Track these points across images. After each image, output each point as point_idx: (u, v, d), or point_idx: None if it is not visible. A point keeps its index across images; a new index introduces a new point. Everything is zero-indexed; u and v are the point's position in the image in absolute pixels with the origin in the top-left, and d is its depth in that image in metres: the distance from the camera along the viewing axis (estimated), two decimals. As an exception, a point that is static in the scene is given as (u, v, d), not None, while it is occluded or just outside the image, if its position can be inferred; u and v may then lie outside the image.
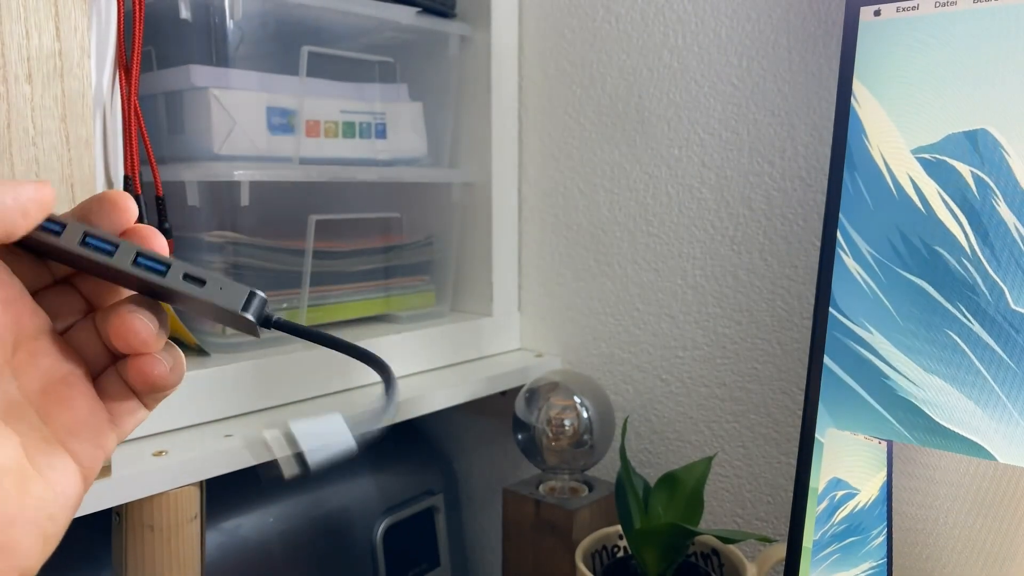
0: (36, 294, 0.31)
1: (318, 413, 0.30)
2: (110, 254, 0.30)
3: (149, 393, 0.32)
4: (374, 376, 0.70)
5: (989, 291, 0.42)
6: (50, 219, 0.29)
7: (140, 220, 0.53)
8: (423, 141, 0.76)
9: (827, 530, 0.48)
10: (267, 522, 0.66)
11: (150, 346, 0.31)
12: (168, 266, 0.30)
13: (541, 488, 0.69)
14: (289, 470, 0.29)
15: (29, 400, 0.30)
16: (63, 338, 0.32)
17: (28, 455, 0.29)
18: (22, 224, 0.28)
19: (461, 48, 0.77)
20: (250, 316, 0.30)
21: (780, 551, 0.56)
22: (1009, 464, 0.42)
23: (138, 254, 0.30)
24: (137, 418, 0.33)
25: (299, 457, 0.29)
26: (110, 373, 0.32)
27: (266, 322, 0.31)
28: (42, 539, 0.28)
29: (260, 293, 0.31)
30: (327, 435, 0.30)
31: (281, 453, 0.29)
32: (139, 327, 0.30)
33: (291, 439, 0.29)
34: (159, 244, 0.31)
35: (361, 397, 0.66)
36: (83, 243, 0.30)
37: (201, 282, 0.30)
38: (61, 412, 0.30)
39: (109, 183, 0.53)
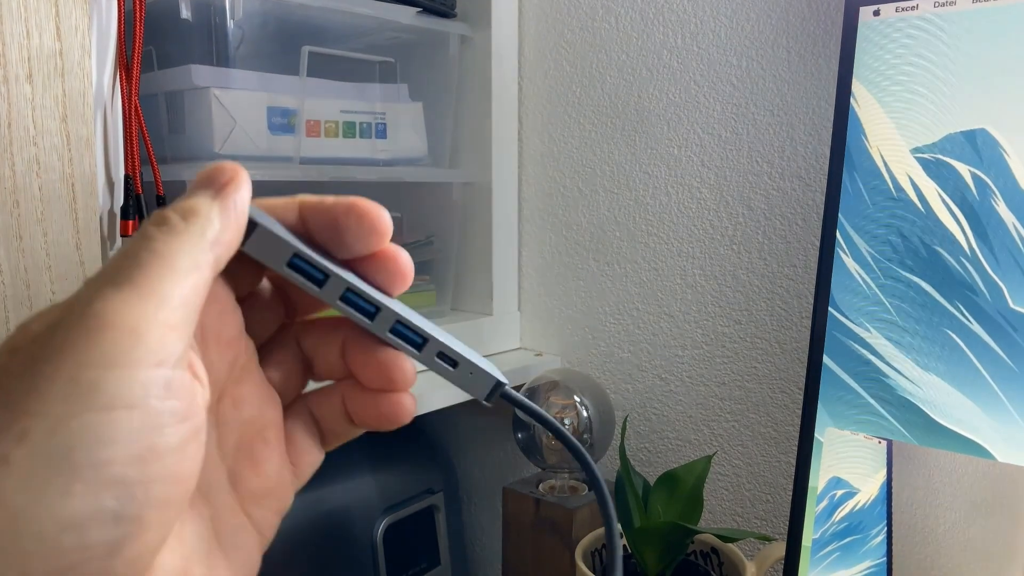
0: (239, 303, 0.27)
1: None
2: (369, 316, 0.26)
3: (380, 429, 0.28)
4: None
5: (988, 291, 0.42)
6: (313, 263, 0.25)
7: (141, 220, 0.54)
8: (423, 141, 0.76)
9: (826, 529, 0.48)
10: (267, 521, 0.66)
11: (411, 384, 0.27)
12: (426, 341, 0.27)
13: (541, 487, 0.69)
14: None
15: (224, 459, 0.26)
16: (265, 376, 0.27)
17: (216, 529, 0.25)
18: (235, 247, 0.23)
19: (461, 48, 0.77)
20: (489, 404, 0.29)
21: (779, 550, 0.56)
22: (1008, 463, 0.42)
23: (397, 322, 0.27)
24: (315, 465, 0.29)
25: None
26: (299, 412, 0.28)
27: (501, 396, 0.30)
28: None
29: (504, 380, 0.29)
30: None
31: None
32: (407, 365, 0.27)
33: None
34: (408, 271, 0.27)
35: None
36: (343, 299, 0.26)
37: (453, 363, 0.28)
38: (252, 476, 0.26)
39: (110, 183, 0.53)
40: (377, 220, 0.26)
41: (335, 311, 0.27)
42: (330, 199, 0.26)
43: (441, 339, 0.28)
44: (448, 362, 0.28)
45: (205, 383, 0.23)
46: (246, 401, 0.26)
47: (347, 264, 0.27)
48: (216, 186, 0.23)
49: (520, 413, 0.31)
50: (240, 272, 0.26)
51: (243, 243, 0.25)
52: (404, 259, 0.27)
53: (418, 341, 0.27)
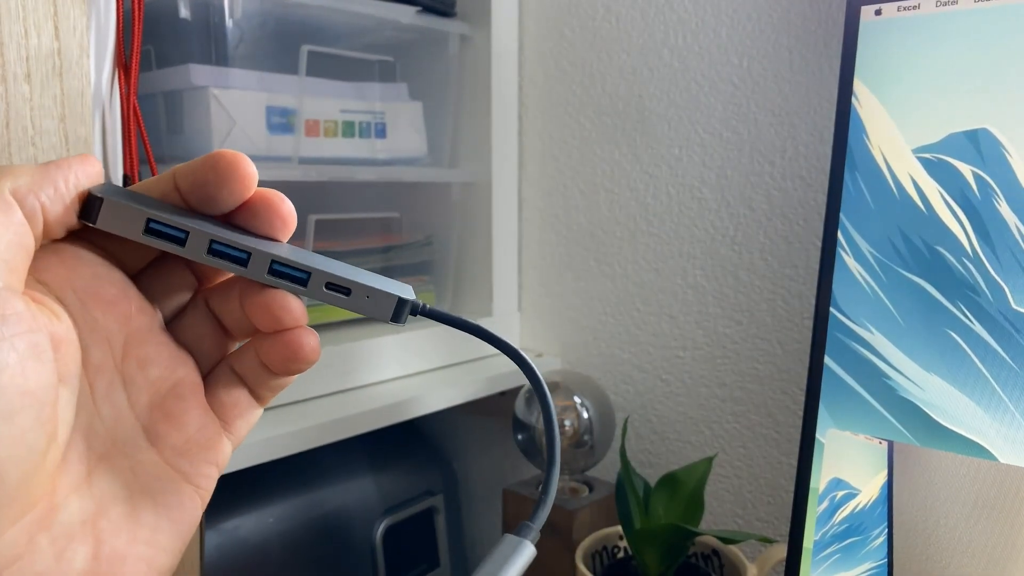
0: (140, 273, 0.28)
1: (502, 558, 0.27)
2: (243, 263, 0.26)
3: (291, 373, 0.29)
4: (376, 375, 0.70)
5: (990, 291, 0.42)
6: (169, 223, 0.26)
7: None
8: (423, 141, 0.76)
9: (828, 530, 0.47)
10: (267, 523, 0.66)
11: (301, 319, 0.27)
12: (309, 274, 0.27)
13: (541, 488, 0.69)
14: None
15: (138, 418, 0.27)
16: (172, 335, 0.28)
17: (138, 481, 0.26)
18: (63, 219, 0.25)
19: (461, 47, 0.77)
20: (400, 323, 0.28)
21: (781, 552, 0.56)
22: (1010, 464, 0.42)
23: (273, 262, 0.27)
24: (251, 420, 0.30)
25: None
26: (222, 372, 0.29)
27: (414, 312, 0.29)
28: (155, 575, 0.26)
29: (409, 297, 0.28)
30: (512, 571, 0.28)
31: None
32: (289, 302, 0.27)
33: None
34: (287, 211, 0.27)
35: (362, 397, 0.66)
36: (210, 252, 0.26)
37: (346, 292, 0.27)
38: (170, 431, 0.27)
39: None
40: (235, 165, 0.26)
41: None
42: (197, 159, 0.27)
43: (329, 269, 0.27)
44: (340, 291, 0.27)
45: (59, 312, 0.25)
46: (152, 361, 0.27)
47: (226, 221, 0.27)
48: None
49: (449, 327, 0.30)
50: (120, 244, 0.27)
51: (94, 221, 0.25)
52: (276, 199, 0.27)
53: (302, 277, 0.27)
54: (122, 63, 0.52)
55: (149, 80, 0.62)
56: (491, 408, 0.81)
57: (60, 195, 0.25)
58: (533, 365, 0.30)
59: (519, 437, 0.69)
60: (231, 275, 0.29)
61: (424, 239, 0.78)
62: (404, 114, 0.74)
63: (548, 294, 0.80)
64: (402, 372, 0.71)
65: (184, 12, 0.59)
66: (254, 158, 0.62)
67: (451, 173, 0.78)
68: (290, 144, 0.65)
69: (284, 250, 0.27)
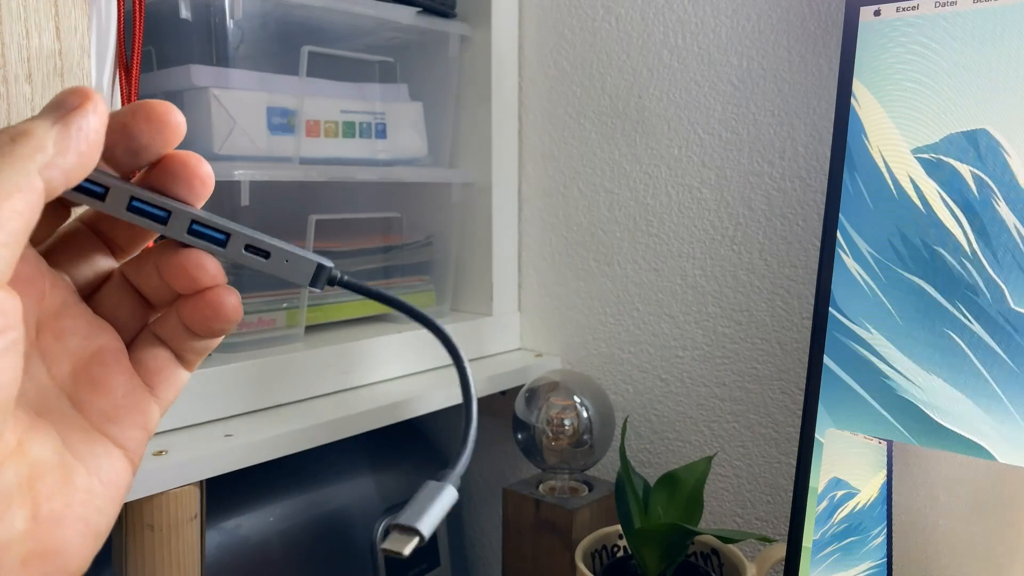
0: (50, 249, 0.28)
1: (426, 498, 0.27)
2: (162, 222, 0.26)
3: (215, 334, 0.29)
4: (376, 375, 0.70)
5: (989, 291, 0.42)
6: (91, 178, 0.25)
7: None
8: (423, 141, 0.76)
9: (827, 530, 0.48)
10: (267, 522, 0.66)
11: (219, 278, 0.28)
12: (228, 235, 0.27)
13: (541, 488, 0.69)
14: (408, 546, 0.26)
15: (61, 387, 0.27)
16: (89, 306, 0.28)
17: (68, 447, 0.26)
18: (77, 175, 0.24)
19: (461, 48, 0.77)
20: (317, 289, 0.29)
21: (780, 551, 0.56)
22: (1009, 464, 0.42)
23: (193, 222, 0.27)
24: (178, 384, 0.30)
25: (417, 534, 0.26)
26: (145, 337, 0.29)
27: (331, 282, 0.30)
28: (92, 536, 0.26)
29: (328, 264, 0.29)
30: (437, 508, 0.27)
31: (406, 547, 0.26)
32: (204, 260, 0.27)
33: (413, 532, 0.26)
34: (205, 173, 0.27)
35: (362, 396, 0.66)
36: (130, 208, 0.26)
37: (265, 254, 0.28)
38: (96, 398, 0.27)
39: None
40: (166, 114, 0.26)
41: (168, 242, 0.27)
42: (121, 110, 0.26)
43: (249, 232, 0.28)
44: (259, 253, 0.28)
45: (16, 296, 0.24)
46: (69, 332, 0.27)
47: (141, 185, 0.27)
48: (62, 110, 0.24)
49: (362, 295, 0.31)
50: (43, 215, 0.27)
51: None
52: (194, 160, 0.27)
53: (220, 238, 0.27)
54: (123, 64, 0.53)
55: (150, 81, 0.62)
56: (491, 408, 0.81)
57: (79, 167, 0.24)
58: (448, 334, 0.31)
59: (519, 437, 0.69)
60: (145, 246, 0.29)
61: (424, 239, 0.78)
62: (404, 115, 0.74)
63: (548, 294, 0.80)
64: (402, 372, 0.71)
65: (185, 13, 0.59)
66: (254, 158, 0.63)
67: (451, 173, 0.79)
68: (291, 144, 0.65)
69: (203, 214, 0.28)
